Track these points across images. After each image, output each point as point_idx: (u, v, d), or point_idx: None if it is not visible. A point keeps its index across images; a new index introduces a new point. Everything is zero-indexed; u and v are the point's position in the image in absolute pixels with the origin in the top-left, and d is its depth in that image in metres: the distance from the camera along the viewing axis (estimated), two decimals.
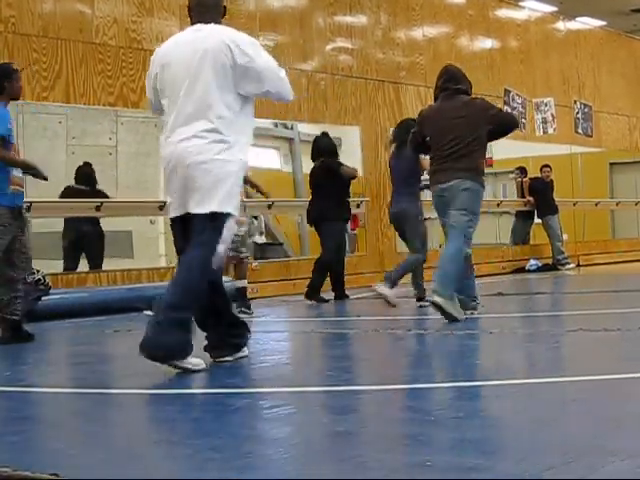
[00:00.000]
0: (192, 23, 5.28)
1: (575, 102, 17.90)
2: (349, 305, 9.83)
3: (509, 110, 16.20)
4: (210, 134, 4.94)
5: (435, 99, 7.62)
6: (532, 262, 15.43)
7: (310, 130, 15.43)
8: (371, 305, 9.07)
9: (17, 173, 6.84)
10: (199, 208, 4.89)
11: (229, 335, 5.16)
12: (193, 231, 4.93)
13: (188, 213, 4.96)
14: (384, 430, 3.28)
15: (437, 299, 6.86)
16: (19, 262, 6.85)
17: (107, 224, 12.65)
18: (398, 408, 3.77)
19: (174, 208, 5.08)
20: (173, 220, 5.14)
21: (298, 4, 12.96)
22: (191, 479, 2.70)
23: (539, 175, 16.11)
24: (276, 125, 15.62)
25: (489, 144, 7.59)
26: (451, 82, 7.51)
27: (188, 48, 5.12)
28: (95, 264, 11.64)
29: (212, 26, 5.18)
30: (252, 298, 8.27)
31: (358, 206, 12.85)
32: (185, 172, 4.93)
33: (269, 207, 12.27)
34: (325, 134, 10.83)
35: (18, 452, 3.11)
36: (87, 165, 11.85)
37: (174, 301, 4.79)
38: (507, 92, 16.22)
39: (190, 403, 4.13)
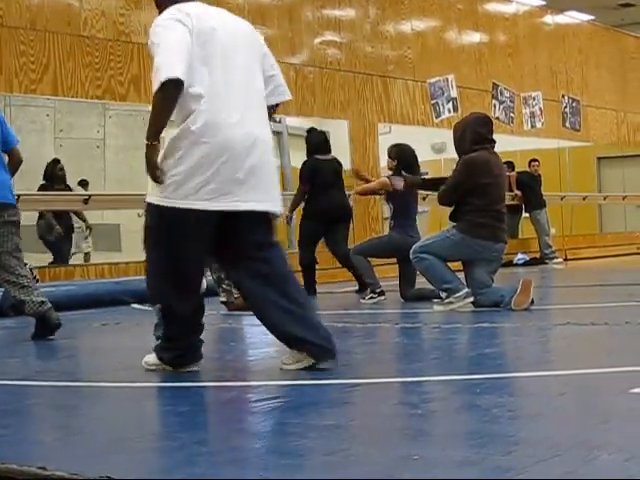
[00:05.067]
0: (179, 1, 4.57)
1: (563, 96, 17.93)
2: (338, 299, 9.84)
3: (497, 104, 16.25)
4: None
5: (474, 143, 7.41)
6: (520, 256, 15.45)
7: (298, 124, 15.43)
8: (359, 298, 9.07)
9: None
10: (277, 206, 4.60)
11: None
12: (256, 230, 4.52)
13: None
14: (372, 424, 3.28)
15: None
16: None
17: (95, 217, 12.65)
18: (386, 402, 3.78)
19: (231, 200, 4.37)
20: (209, 213, 4.37)
21: None
22: (178, 473, 2.70)
23: (527, 169, 16.12)
24: None
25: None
26: (492, 134, 7.59)
27: (231, 21, 4.79)
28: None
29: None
30: None
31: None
32: (265, 166, 4.55)
33: None
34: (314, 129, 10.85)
35: (5, 445, 3.11)
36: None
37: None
38: (495, 86, 16.24)
39: (178, 396, 4.13)
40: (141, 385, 4.42)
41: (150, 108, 4.38)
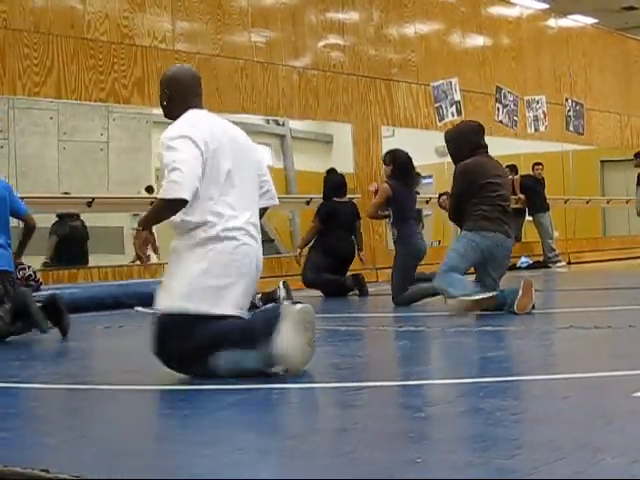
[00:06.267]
0: (191, 105, 4.67)
1: (566, 100, 17.93)
2: (340, 303, 9.84)
3: (500, 107, 16.25)
4: None
5: (470, 151, 7.44)
6: (523, 259, 15.44)
7: (302, 127, 15.44)
8: (363, 302, 9.08)
9: None
10: None
11: None
12: None
13: None
14: (376, 427, 3.28)
15: None
16: None
17: (98, 220, 12.65)
18: (389, 405, 3.77)
19: (235, 306, 4.54)
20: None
21: (290, 0, 12.95)
22: (181, 475, 2.69)
23: (531, 173, 16.12)
24: (268, 122, 15.62)
25: None
26: (484, 140, 7.65)
27: (237, 133, 4.77)
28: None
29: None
30: None
31: None
32: (255, 281, 4.69)
33: None
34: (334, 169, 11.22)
35: (8, 448, 3.11)
36: None
37: None
38: (499, 89, 16.24)
39: (181, 399, 4.13)
40: (144, 388, 4.42)
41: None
